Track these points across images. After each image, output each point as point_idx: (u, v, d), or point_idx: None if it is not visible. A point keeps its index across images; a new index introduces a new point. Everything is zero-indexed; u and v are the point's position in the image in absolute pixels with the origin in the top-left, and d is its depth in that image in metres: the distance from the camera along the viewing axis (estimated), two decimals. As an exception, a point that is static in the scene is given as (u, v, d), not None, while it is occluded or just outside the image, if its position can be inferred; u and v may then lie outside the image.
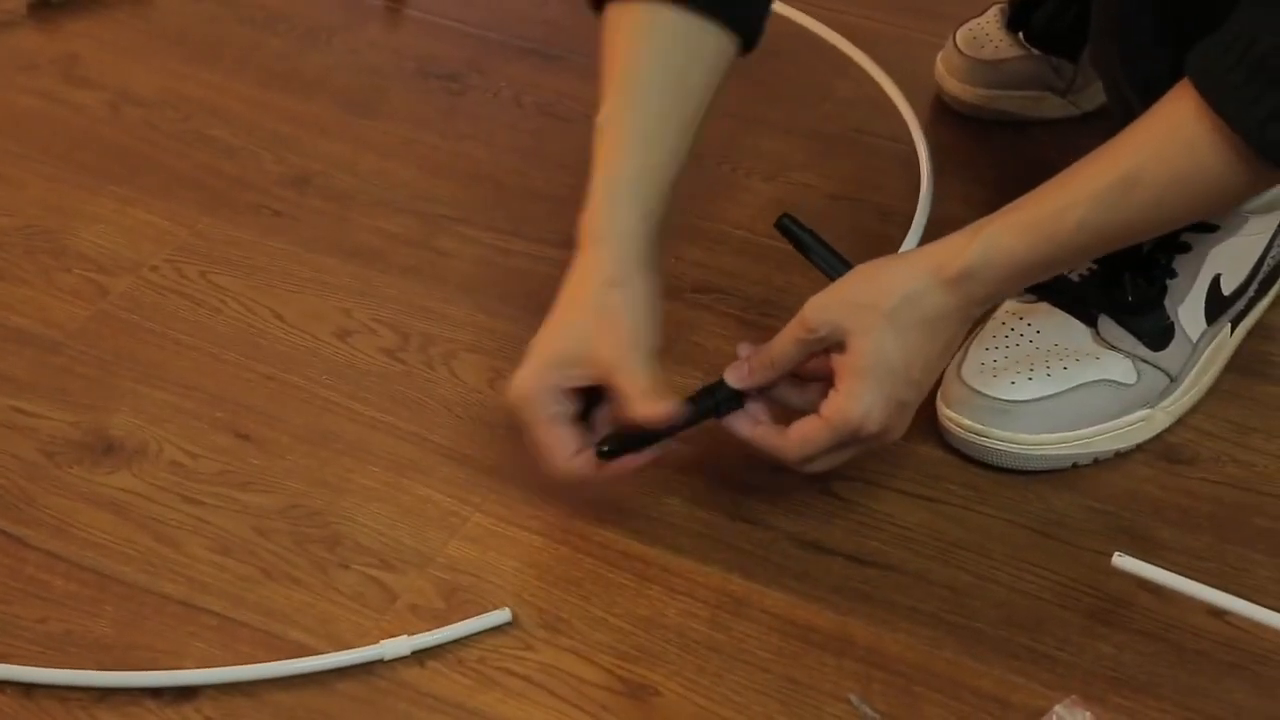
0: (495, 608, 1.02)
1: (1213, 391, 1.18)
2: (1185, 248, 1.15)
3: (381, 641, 0.99)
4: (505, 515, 1.08)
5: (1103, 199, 0.98)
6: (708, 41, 1.08)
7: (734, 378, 1.05)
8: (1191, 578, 0.99)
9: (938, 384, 1.12)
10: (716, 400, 1.05)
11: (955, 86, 1.43)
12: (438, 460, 1.12)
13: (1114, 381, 1.13)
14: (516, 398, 1.02)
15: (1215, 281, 1.17)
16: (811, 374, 1.04)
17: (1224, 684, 1.00)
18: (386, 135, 1.41)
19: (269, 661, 0.99)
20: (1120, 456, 1.14)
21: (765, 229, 1.31)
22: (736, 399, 1.05)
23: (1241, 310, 1.20)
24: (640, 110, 1.06)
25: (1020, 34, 1.42)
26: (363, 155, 1.39)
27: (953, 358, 1.07)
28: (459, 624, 1.00)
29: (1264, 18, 0.92)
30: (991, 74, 1.42)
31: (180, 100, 1.44)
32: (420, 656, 1.00)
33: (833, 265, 1.08)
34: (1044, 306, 1.15)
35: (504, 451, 1.11)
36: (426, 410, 1.16)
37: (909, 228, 1.30)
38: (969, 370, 1.13)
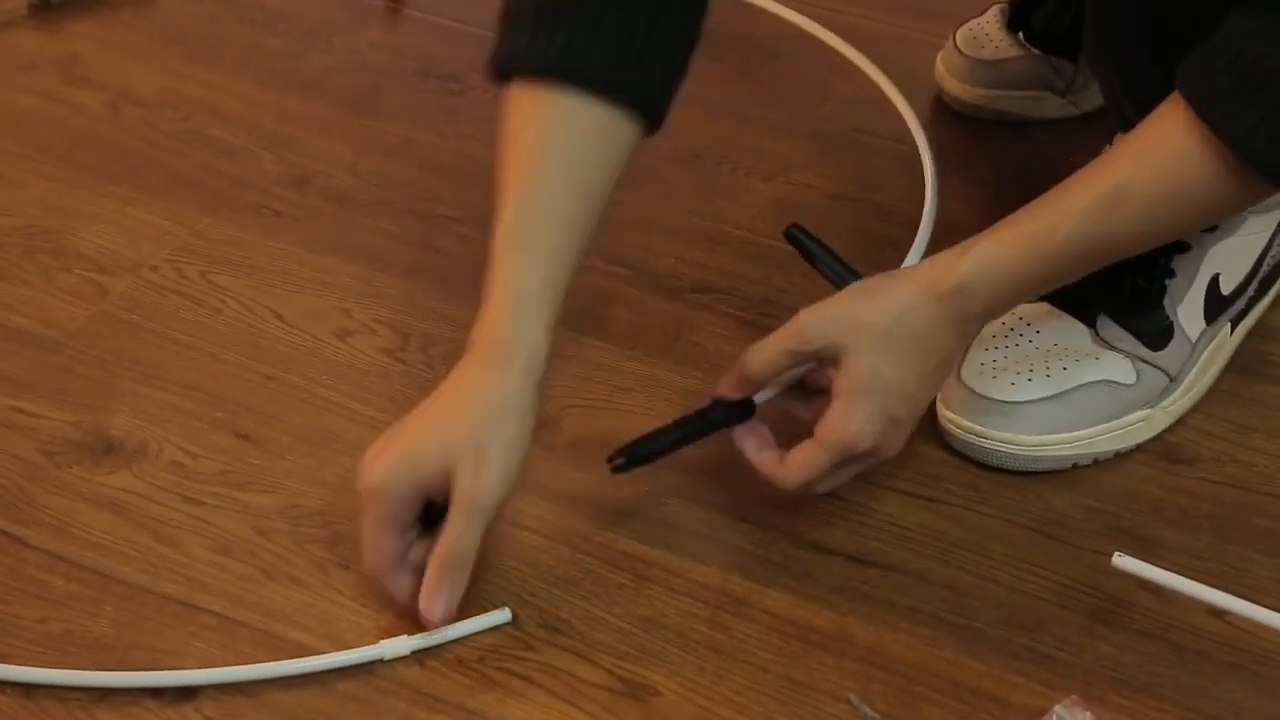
0: (495, 607, 1.02)
1: (1213, 391, 1.19)
2: (1184, 247, 1.15)
3: (381, 641, 0.99)
4: (505, 515, 1.08)
5: (1093, 212, 0.98)
6: (617, 132, 1.05)
7: (725, 387, 1.05)
8: (1191, 578, 0.99)
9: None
10: (727, 411, 1.05)
11: (955, 86, 1.44)
12: (438, 460, 1.12)
13: (1114, 382, 1.13)
14: (370, 485, 0.98)
15: (1214, 281, 1.17)
16: (815, 384, 1.04)
17: (1224, 684, 1.00)
18: (386, 135, 1.41)
19: (269, 661, 0.99)
20: (1120, 457, 1.14)
21: (765, 229, 1.31)
22: (747, 409, 1.05)
23: (1241, 310, 1.20)
24: (548, 220, 1.03)
25: (1020, 34, 1.42)
26: (363, 155, 1.39)
27: (950, 374, 1.06)
28: (459, 624, 1.00)
29: (1252, 28, 0.92)
30: (991, 74, 1.42)
31: (180, 100, 1.44)
32: (420, 656, 1.00)
33: (841, 275, 1.08)
34: (1043, 307, 1.15)
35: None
36: (426, 410, 1.16)
37: (909, 228, 1.30)
38: (969, 371, 1.13)
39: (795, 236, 1.13)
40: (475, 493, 0.97)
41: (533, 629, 1.02)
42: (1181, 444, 1.15)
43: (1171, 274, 1.15)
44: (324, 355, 1.20)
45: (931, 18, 1.52)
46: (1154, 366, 1.14)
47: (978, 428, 1.12)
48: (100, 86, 1.45)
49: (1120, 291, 1.14)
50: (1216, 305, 1.17)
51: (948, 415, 1.13)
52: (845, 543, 1.08)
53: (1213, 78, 0.93)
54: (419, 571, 0.99)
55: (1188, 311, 1.16)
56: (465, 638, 1.00)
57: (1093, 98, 1.41)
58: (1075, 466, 1.13)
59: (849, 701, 0.98)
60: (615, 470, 1.04)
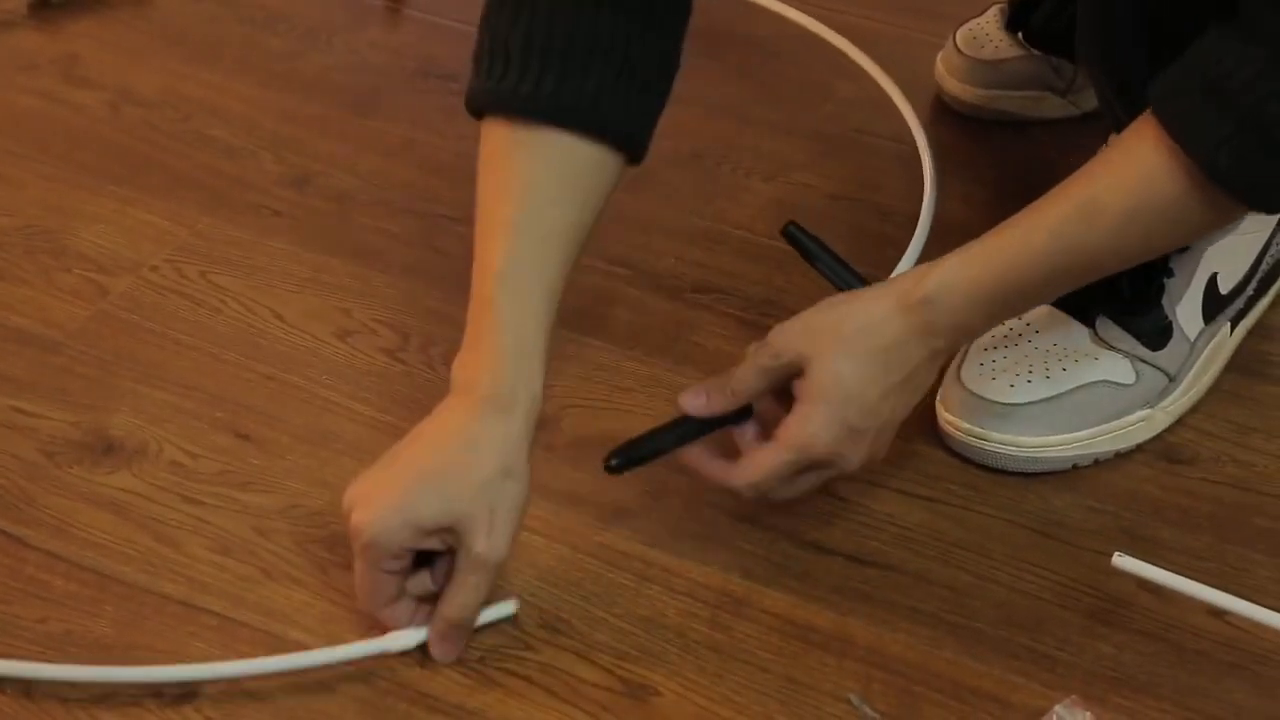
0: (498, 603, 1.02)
1: (1213, 391, 1.19)
2: (1182, 246, 1.15)
3: (389, 634, 0.99)
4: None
5: (1063, 226, 0.97)
6: (603, 169, 1.05)
7: (690, 404, 1.04)
8: (1191, 578, 0.99)
9: (933, 396, 1.12)
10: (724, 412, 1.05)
11: (955, 86, 1.44)
12: (438, 460, 1.12)
13: (1113, 382, 1.13)
14: (366, 537, 0.96)
15: (1212, 280, 1.17)
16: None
17: (1224, 684, 1.00)
18: (386, 135, 1.41)
19: (279, 656, 0.99)
20: (1120, 457, 1.14)
21: (765, 229, 1.31)
22: (744, 411, 1.04)
23: (1240, 309, 1.20)
24: (542, 268, 1.02)
25: (1019, 34, 1.42)
26: (363, 155, 1.39)
27: (921, 395, 1.04)
28: None
29: (1221, 45, 0.92)
30: (991, 74, 1.42)
31: (180, 100, 1.44)
32: (420, 656, 1.00)
33: (839, 274, 1.08)
34: (1043, 308, 1.15)
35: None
36: (426, 410, 1.15)
37: (909, 228, 1.30)
38: (968, 373, 1.13)
39: (793, 234, 1.13)
40: (489, 555, 0.96)
41: (533, 629, 1.02)
42: (1181, 444, 1.15)
43: (1170, 273, 1.15)
44: (324, 355, 1.20)
45: (931, 18, 1.53)
46: (1153, 366, 1.14)
47: (977, 429, 1.12)
48: (100, 86, 1.45)
49: (1119, 292, 1.14)
50: (1215, 305, 1.17)
51: (947, 417, 1.13)
52: (845, 543, 1.08)
53: (1181, 94, 0.94)
54: (416, 600, 0.99)
55: (1186, 311, 1.16)
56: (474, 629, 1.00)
57: (1093, 98, 1.41)
58: (1075, 467, 1.13)
59: (849, 701, 0.98)
60: (610, 471, 1.03)
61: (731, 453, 1.04)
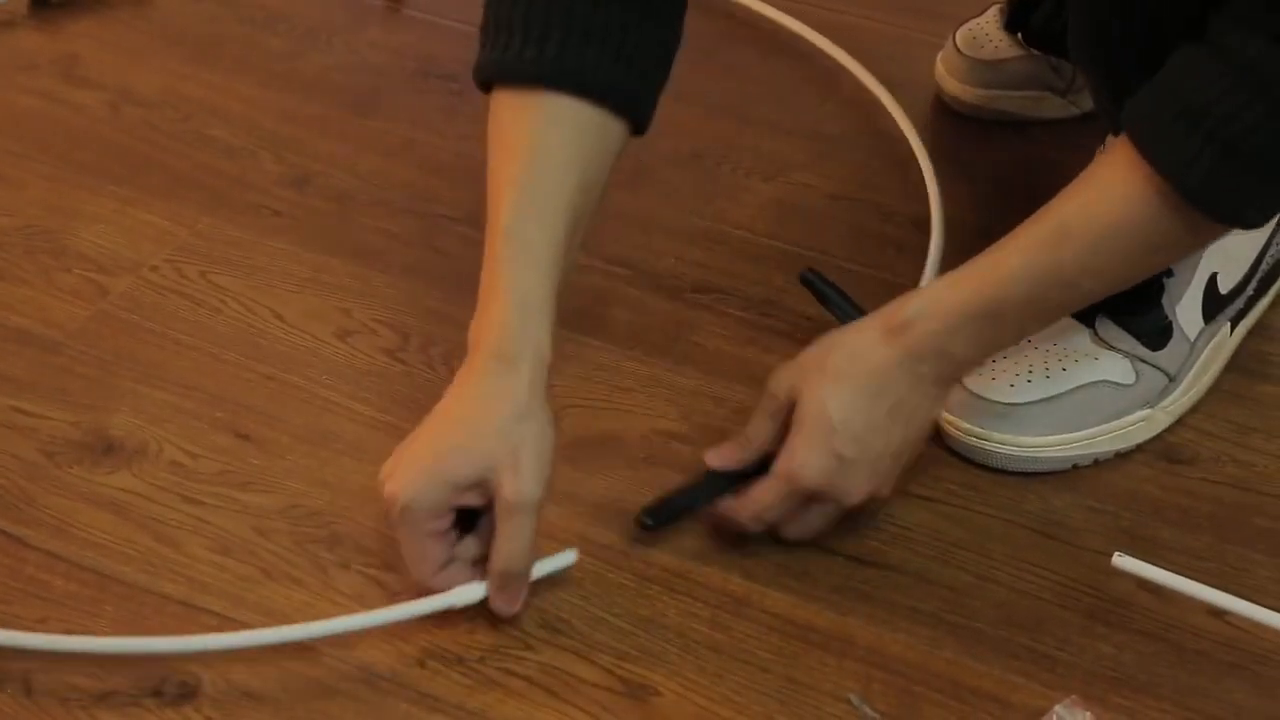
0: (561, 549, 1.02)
1: (1213, 391, 1.19)
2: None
3: (454, 589, 0.99)
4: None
5: (1038, 245, 0.98)
6: (608, 134, 1.06)
7: (714, 458, 1.06)
8: (1191, 578, 0.99)
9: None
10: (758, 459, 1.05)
11: (955, 86, 1.44)
12: (438, 460, 1.12)
13: (1113, 382, 1.13)
14: (402, 502, 0.97)
15: (1212, 280, 1.17)
16: None
17: (1224, 684, 1.00)
18: (386, 135, 1.41)
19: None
20: (1120, 457, 1.14)
21: (765, 229, 1.31)
22: (769, 459, 1.04)
23: (1240, 309, 1.20)
24: (547, 224, 1.03)
25: (1019, 34, 1.42)
26: (363, 155, 1.39)
27: (917, 427, 1.04)
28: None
29: (1190, 63, 0.93)
30: (991, 74, 1.42)
31: (180, 100, 1.44)
32: (420, 657, 1.00)
33: (853, 318, 1.08)
34: (1043, 307, 1.15)
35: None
36: (426, 410, 1.15)
37: (909, 228, 1.30)
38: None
39: (809, 281, 1.15)
40: (520, 496, 0.97)
41: (533, 629, 1.02)
42: (1181, 444, 1.15)
43: (1169, 273, 1.15)
44: (324, 355, 1.20)
45: (931, 18, 1.53)
46: (1153, 366, 1.14)
47: (977, 429, 1.12)
48: (100, 86, 1.45)
49: (1120, 291, 1.14)
50: (1215, 304, 1.17)
51: (947, 417, 1.13)
52: (845, 543, 1.08)
53: (1152, 114, 0.94)
54: (471, 565, 1.00)
55: (1186, 311, 1.16)
56: (535, 580, 1.01)
57: (1093, 98, 1.41)
58: (1075, 467, 1.13)
59: (849, 701, 0.98)
60: (645, 529, 1.05)
61: None
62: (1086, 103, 1.41)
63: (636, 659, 1.00)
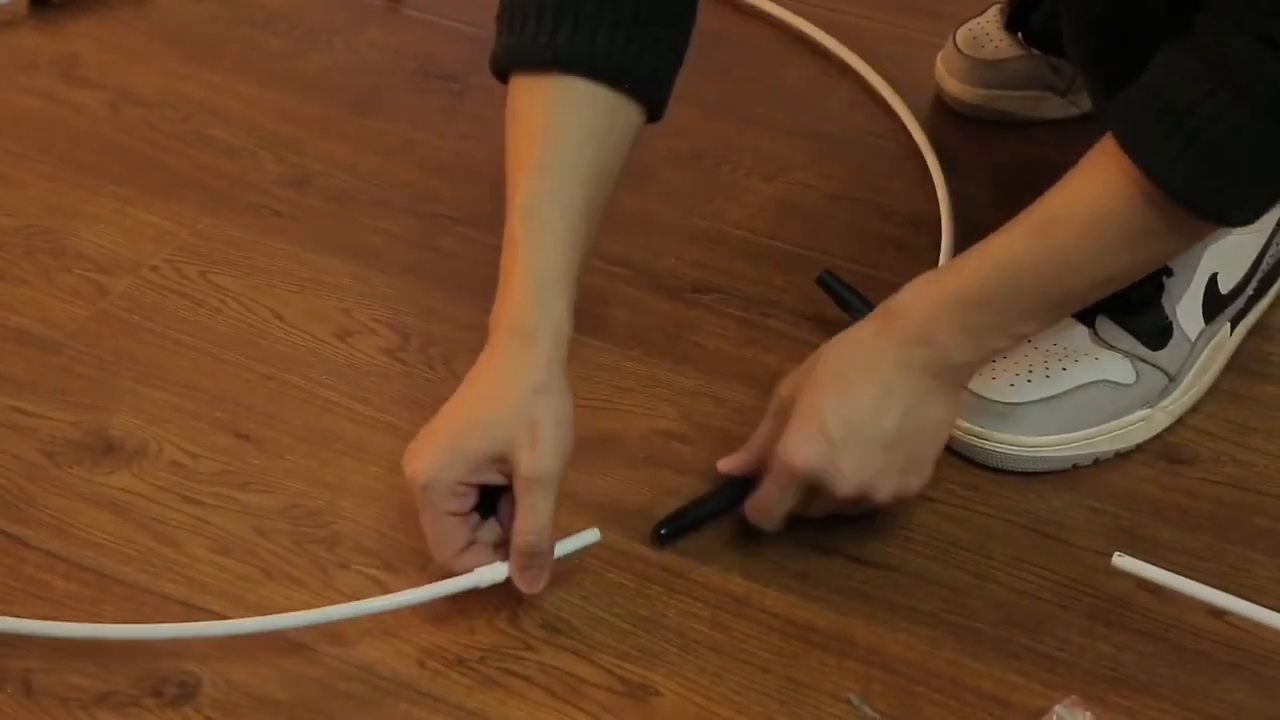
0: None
1: (1213, 391, 1.19)
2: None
3: (477, 570, 0.99)
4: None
5: (1024, 235, 0.98)
6: (623, 117, 1.06)
7: (725, 465, 1.07)
8: (1191, 578, 0.99)
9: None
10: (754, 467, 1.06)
11: (955, 86, 1.44)
12: (438, 460, 1.12)
13: (1113, 382, 1.13)
14: (421, 480, 0.97)
15: (1212, 280, 1.17)
16: None
17: (1224, 684, 1.00)
18: (386, 135, 1.41)
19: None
20: (1120, 457, 1.14)
21: (765, 229, 1.31)
22: None
23: (1241, 309, 1.20)
24: (564, 202, 1.03)
25: (1019, 34, 1.42)
26: (363, 155, 1.39)
27: (914, 420, 1.02)
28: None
29: (1173, 63, 0.93)
30: (991, 74, 1.42)
31: (180, 100, 1.44)
32: (420, 657, 1.00)
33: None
34: (1043, 307, 1.15)
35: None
36: (426, 410, 1.15)
37: (909, 228, 1.30)
38: (968, 372, 1.13)
39: (827, 283, 1.15)
40: (538, 469, 0.97)
41: (533, 629, 1.02)
42: (1181, 444, 1.15)
43: (1169, 272, 1.15)
44: (324, 355, 1.20)
45: (931, 18, 1.53)
46: (1153, 366, 1.14)
47: (977, 429, 1.12)
48: (100, 86, 1.45)
49: (1119, 291, 1.14)
50: (1215, 304, 1.17)
51: (948, 416, 1.13)
52: (845, 543, 1.08)
53: (1136, 113, 0.94)
54: (493, 548, 1.00)
55: (1186, 310, 1.16)
56: (559, 558, 1.00)
57: (1093, 98, 1.41)
58: (1075, 467, 1.13)
59: (849, 701, 0.98)
60: (661, 541, 1.06)
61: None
62: (1086, 103, 1.42)
63: (636, 659, 1.00)
